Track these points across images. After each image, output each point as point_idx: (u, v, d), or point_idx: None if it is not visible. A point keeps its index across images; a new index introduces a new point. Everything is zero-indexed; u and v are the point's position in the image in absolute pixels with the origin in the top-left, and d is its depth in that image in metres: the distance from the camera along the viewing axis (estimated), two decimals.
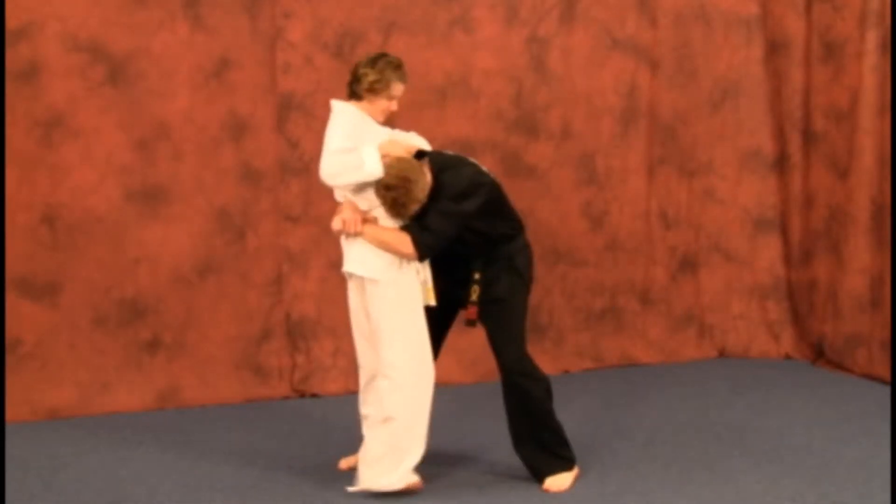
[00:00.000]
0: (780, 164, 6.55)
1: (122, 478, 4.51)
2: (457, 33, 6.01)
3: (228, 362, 5.72)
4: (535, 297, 6.21)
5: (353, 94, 4.24)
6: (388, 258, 4.17)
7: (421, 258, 4.19)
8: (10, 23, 5.26)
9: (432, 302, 4.24)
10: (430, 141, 5.99)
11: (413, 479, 4.26)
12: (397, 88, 4.23)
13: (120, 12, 5.44)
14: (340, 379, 5.75)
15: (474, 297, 4.31)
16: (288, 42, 5.72)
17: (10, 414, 5.17)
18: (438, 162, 4.26)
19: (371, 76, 4.18)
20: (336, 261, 5.83)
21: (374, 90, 4.19)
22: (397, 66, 4.23)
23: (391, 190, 4.08)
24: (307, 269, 5.83)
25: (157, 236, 5.59)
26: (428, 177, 4.16)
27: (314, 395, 5.77)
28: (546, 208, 6.24)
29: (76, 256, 5.49)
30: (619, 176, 6.40)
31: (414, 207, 4.12)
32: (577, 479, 4.40)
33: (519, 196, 6.17)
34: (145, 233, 5.60)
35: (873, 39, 5.90)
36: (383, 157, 4.11)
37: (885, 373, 5.81)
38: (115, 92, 5.48)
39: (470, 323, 4.35)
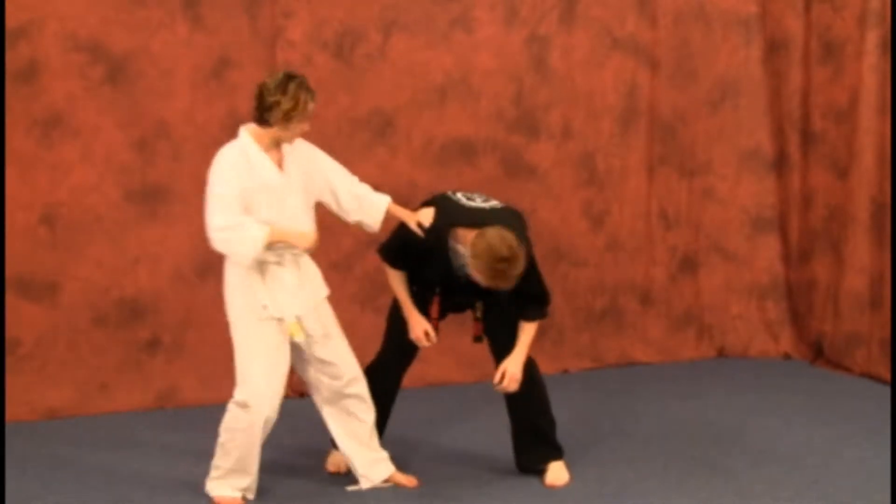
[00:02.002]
0: (780, 163, 6.55)
1: (122, 478, 4.50)
2: (457, 33, 6.00)
3: (228, 362, 5.64)
4: None
5: (262, 121, 3.98)
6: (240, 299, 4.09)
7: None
8: (10, 22, 5.25)
9: (299, 337, 4.11)
10: (431, 140, 6.04)
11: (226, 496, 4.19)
12: (311, 108, 3.99)
13: (119, 12, 5.43)
14: None
15: (478, 314, 4.33)
16: (288, 41, 5.72)
17: (9, 413, 5.16)
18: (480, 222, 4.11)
19: (285, 104, 3.91)
20: (336, 260, 5.84)
21: (289, 118, 3.94)
22: (309, 88, 3.97)
23: (503, 262, 3.91)
24: None
25: (156, 236, 5.59)
26: None
27: None
28: (546, 208, 6.24)
29: (75, 256, 5.48)
30: (619, 176, 6.40)
31: (509, 285, 4.00)
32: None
33: (519, 196, 6.20)
34: (145, 232, 5.59)
35: (873, 39, 5.90)
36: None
37: (885, 372, 5.81)
38: (115, 91, 5.47)
39: (477, 339, 4.38)
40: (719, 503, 4.17)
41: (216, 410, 4.26)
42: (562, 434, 4.52)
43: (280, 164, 4.08)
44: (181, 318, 5.66)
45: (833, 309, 6.21)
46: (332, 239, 5.84)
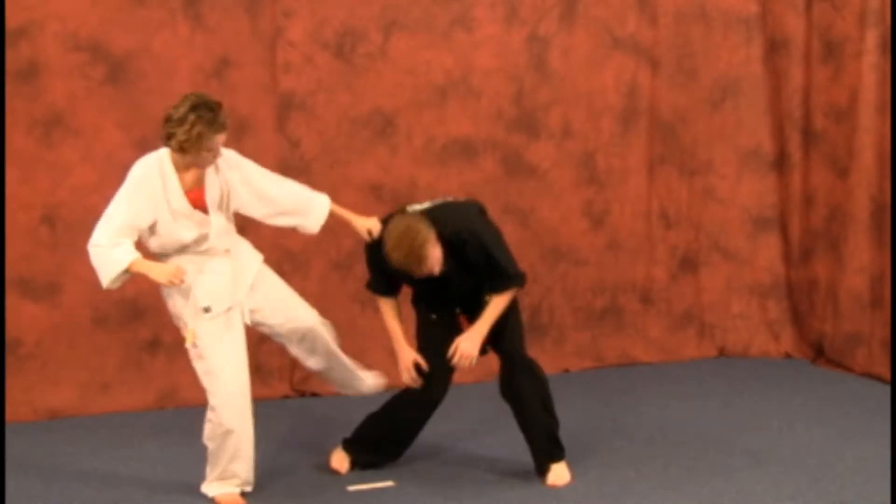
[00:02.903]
0: (780, 163, 6.55)
1: (122, 478, 4.51)
2: (457, 32, 6.00)
3: None
4: (535, 296, 6.24)
5: (167, 145, 3.95)
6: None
7: (524, 281, 4.28)
8: (10, 22, 5.26)
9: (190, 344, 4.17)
10: (431, 140, 6.04)
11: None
12: (214, 140, 3.89)
13: (120, 11, 5.43)
14: None
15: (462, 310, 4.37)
16: (288, 41, 5.72)
17: (10, 414, 5.17)
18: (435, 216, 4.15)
19: (180, 135, 3.84)
20: (336, 260, 5.85)
21: (183, 149, 3.88)
22: (211, 120, 3.86)
23: (395, 251, 3.98)
24: (307, 269, 5.83)
25: None
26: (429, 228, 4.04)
27: (314, 395, 5.77)
28: (547, 208, 6.24)
29: (76, 256, 5.44)
30: (619, 175, 6.40)
31: (431, 264, 4.03)
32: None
33: (520, 195, 6.21)
34: None
35: (873, 38, 5.90)
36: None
37: (886, 372, 5.81)
38: (116, 91, 5.47)
39: (482, 351, 4.35)
40: (719, 503, 4.17)
41: None
42: (563, 434, 4.52)
43: (200, 182, 4.04)
44: None
45: (833, 308, 6.22)
46: (333, 239, 5.84)
